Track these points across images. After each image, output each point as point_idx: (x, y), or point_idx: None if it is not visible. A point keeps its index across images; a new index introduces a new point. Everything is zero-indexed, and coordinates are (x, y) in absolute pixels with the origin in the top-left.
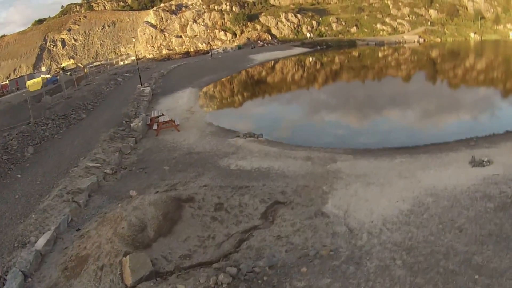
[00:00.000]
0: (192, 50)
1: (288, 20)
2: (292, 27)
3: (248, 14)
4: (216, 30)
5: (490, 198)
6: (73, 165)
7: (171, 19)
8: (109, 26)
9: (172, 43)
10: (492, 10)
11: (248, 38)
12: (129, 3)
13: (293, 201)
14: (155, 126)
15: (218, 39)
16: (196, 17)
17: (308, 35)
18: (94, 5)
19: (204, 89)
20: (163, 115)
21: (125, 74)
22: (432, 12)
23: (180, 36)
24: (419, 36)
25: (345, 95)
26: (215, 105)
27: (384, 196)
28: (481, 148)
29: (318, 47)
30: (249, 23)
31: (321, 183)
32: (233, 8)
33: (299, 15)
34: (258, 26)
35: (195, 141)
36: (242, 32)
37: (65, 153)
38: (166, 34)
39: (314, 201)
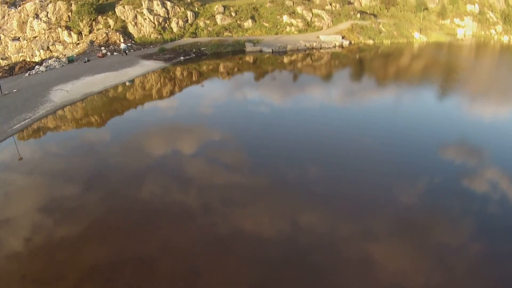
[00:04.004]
0: (28, 60)
1: (151, 12)
2: (156, 22)
3: (100, 3)
4: (60, 29)
5: None
6: None
7: (9, 14)
8: None
9: (8, 49)
10: (437, 0)
11: (91, 42)
12: None
13: None
14: None
15: (59, 41)
16: (39, 10)
17: (122, 46)
18: None
19: None
20: None
21: None
22: None
23: (18, 39)
24: (343, 37)
25: None
26: None
27: None
28: None
29: (182, 58)
30: (100, 17)
31: None
32: None
33: (168, 3)
34: (111, 22)
35: None
36: (91, 31)
37: None
38: (2, 36)
39: None
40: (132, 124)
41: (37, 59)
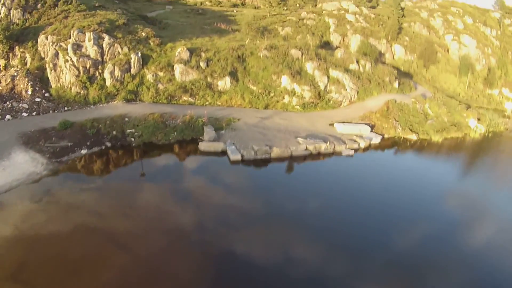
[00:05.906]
0: None
1: (77, 51)
2: (82, 68)
3: (23, 28)
4: None
5: None
6: None
7: None
8: None
9: None
10: (484, 61)
11: None
12: None
13: None
14: None
15: None
16: None
17: None
18: None
19: None
20: None
21: None
22: (398, 49)
23: None
24: (372, 127)
25: None
26: None
27: None
28: None
29: (84, 151)
30: (18, 48)
31: None
32: (12, 13)
33: (106, 38)
34: (28, 58)
35: None
36: (7, 66)
37: None
38: None
39: None
40: None
41: None
